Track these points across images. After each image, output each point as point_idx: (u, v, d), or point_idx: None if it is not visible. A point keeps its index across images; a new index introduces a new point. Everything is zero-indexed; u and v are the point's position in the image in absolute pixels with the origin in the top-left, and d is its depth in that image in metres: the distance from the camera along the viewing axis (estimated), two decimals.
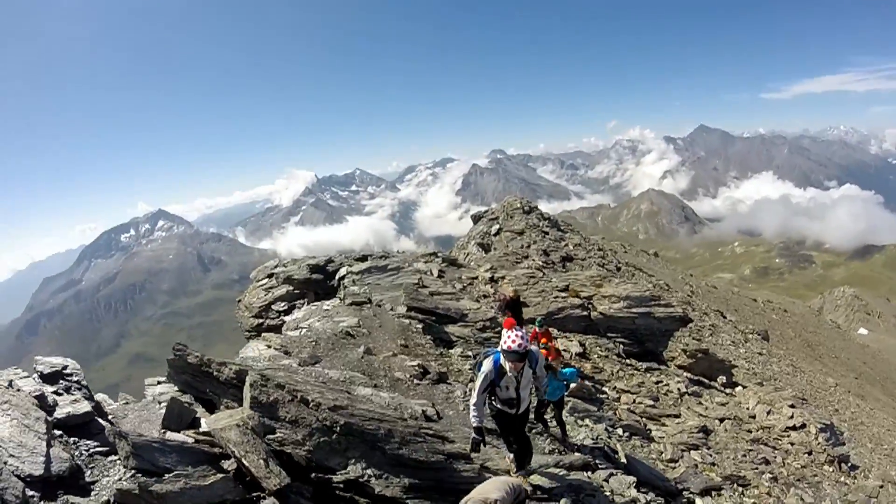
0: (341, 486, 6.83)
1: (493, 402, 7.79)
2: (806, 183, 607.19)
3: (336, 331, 12.24)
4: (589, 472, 9.06)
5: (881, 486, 16.43)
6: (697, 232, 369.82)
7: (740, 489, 12.32)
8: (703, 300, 43.17)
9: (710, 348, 24.08)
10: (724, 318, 38.80)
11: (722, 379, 21.06)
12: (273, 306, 18.19)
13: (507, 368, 7.32)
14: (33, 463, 5.37)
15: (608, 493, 8.62)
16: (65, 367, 7.97)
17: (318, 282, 18.92)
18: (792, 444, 16.90)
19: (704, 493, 11.18)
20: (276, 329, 16.15)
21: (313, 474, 6.71)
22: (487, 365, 7.51)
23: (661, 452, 12.54)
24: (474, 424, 7.57)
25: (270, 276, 20.07)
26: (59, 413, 6.55)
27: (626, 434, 12.45)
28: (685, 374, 20.29)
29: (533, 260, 26.21)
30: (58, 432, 6.10)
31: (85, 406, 6.95)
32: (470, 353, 13.29)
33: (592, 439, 10.93)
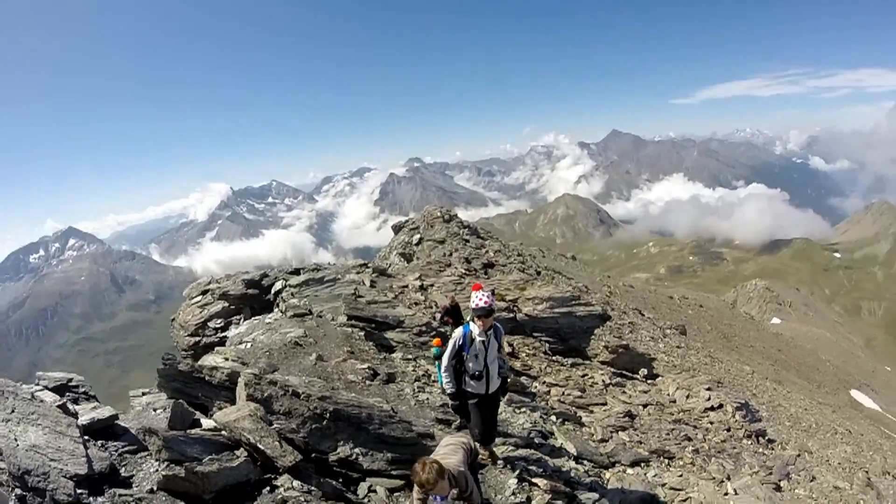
0: (336, 463, 7.90)
1: (465, 385, 8.51)
2: (715, 183, 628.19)
3: (285, 342, 12.82)
4: (532, 450, 10.10)
5: (798, 455, 17.85)
6: (612, 234, 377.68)
7: (666, 461, 13.40)
8: (622, 300, 44.43)
9: (631, 344, 25.29)
10: (643, 315, 40.05)
11: (643, 371, 22.18)
12: (209, 323, 18.20)
13: (476, 333, 8.19)
14: (76, 464, 5.94)
15: (551, 464, 9.75)
16: (70, 380, 8.81)
17: (254, 296, 19.12)
18: (711, 422, 18.06)
19: (634, 464, 12.28)
20: (213, 346, 16.47)
21: (312, 454, 7.77)
22: (457, 332, 8.42)
23: (592, 434, 13.50)
24: (449, 391, 8.59)
25: (204, 292, 20.04)
26: (84, 419, 7.14)
27: (560, 420, 13.39)
28: (608, 368, 21.37)
29: (455, 268, 26.88)
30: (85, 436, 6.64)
31: (108, 411, 7.66)
32: (410, 357, 14.18)
33: (531, 423, 11.92)
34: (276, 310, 17.84)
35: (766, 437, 18.57)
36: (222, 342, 16.32)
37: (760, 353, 47.62)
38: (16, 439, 6.06)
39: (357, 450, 8.14)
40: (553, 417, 13.51)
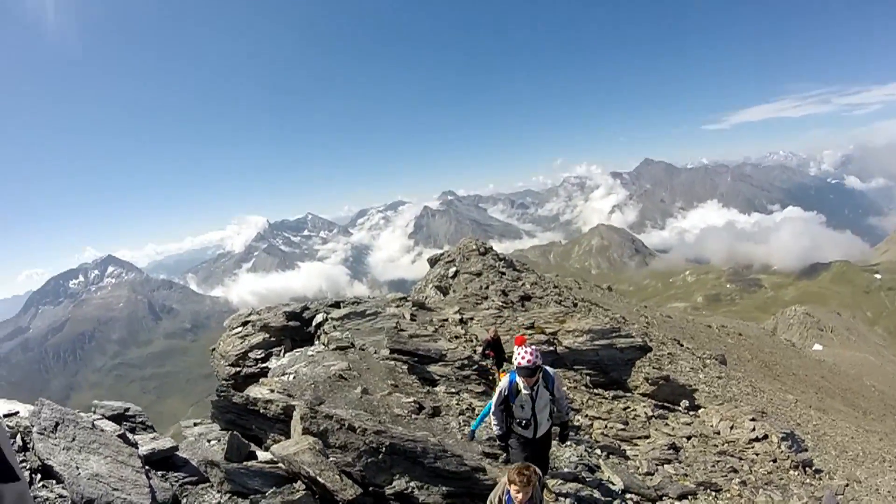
0: (392, 497, 7.96)
1: (513, 427, 8.41)
2: (750, 208, 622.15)
3: (329, 374, 12.93)
4: (580, 484, 10.10)
5: (846, 485, 17.52)
6: (648, 264, 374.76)
7: (713, 493, 13.24)
8: (660, 330, 43.91)
9: (671, 375, 25.03)
10: (681, 345, 39.44)
11: (685, 403, 21.96)
12: (250, 354, 18.37)
13: (521, 386, 8.02)
14: (139, 494, 6.02)
15: (599, 497, 9.70)
16: (127, 409, 8.85)
17: (295, 329, 19.27)
18: (756, 454, 17.77)
19: (681, 497, 12.15)
20: (254, 377, 16.66)
21: (369, 487, 7.89)
22: (503, 382, 8.29)
23: (638, 468, 13.41)
24: (497, 433, 8.51)
25: (245, 323, 20.26)
26: (144, 449, 7.26)
27: (605, 453, 13.34)
28: (650, 400, 21.19)
29: (492, 300, 26.87)
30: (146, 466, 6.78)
31: (169, 442, 7.80)
32: (454, 390, 14.23)
33: (577, 456, 11.88)
34: (317, 342, 17.97)
35: (813, 468, 18.25)
36: (262, 373, 16.45)
37: (803, 381, 46.64)
38: (77, 467, 6.15)
39: (412, 483, 8.27)
40: (598, 451, 13.44)
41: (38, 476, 6.06)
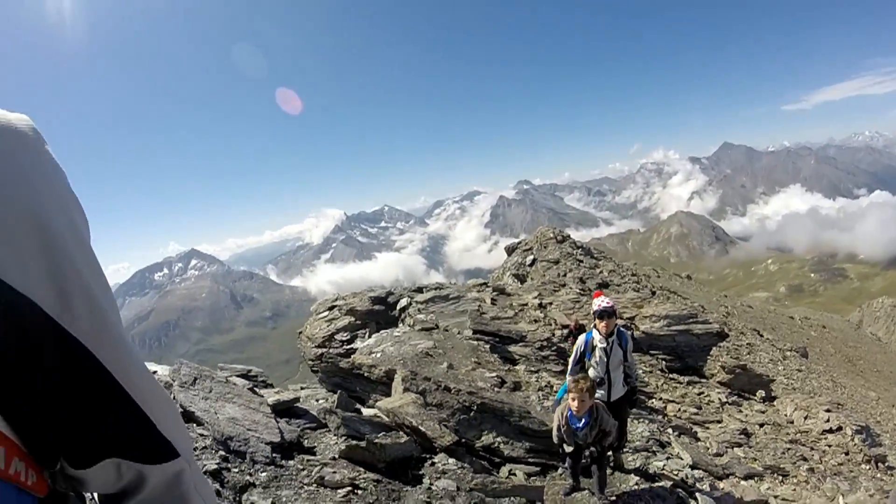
0: (481, 449, 9.20)
1: None
2: (835, 193, 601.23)
3: (416, 352, 13.81)
4: (651, 456, 10.81)
5: None
6: (728, 252, 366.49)
7: (780, 478, 13.53)
8: (740, 320, 43.22)
9: (748, 365, 25.02)
10: (761, 336, 38.76)
11: (761, 393, 21.95)
12: (336, 336, 19.36)
13: (597, 340, 8.70)
14: (270, 433, 7.26)
15: (667, 471, 10.39)
16: (249, 370, 10.50)
17: (380, 312, 20.13)
18: (829, 444, 17.68)
19: (748, 477, 12.54)
20: (340, 356, 17.69)
21: (461, 440, 9.05)
22: (580, 339, 8.99)
23: (707, 448, 13.80)
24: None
25: (331, 308, 21.15)
26: (271, 400, 8.64)
27: (676, 433, 13.75)
28: (725, 388, 21.37)
29: (570, 288, 27.27)
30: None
31: (291, 394, 9.42)
32: (533, 369, 14.96)
33: (649, 432, 12.50)
34: (401, 325, 18.86)
35: (886, 464, 18.20)
36: (348, 354, 17.39)
37: (888, 379, 45.17)
38: (216, 413, 7.35)
39: (499, 438, 9.44)
40: (670, 430, 13.90)
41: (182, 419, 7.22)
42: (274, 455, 6.97)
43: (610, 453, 9.22)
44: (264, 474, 6.50)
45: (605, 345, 8.66)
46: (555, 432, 7.92)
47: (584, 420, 7.44)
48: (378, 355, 14.39)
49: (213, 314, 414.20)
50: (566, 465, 8.60)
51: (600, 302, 8.78)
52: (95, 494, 1.47)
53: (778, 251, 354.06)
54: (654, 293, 36.11)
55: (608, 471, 9.08)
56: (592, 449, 7.94)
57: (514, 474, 8.97)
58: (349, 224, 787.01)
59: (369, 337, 18.04)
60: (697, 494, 9.58)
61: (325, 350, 18.63)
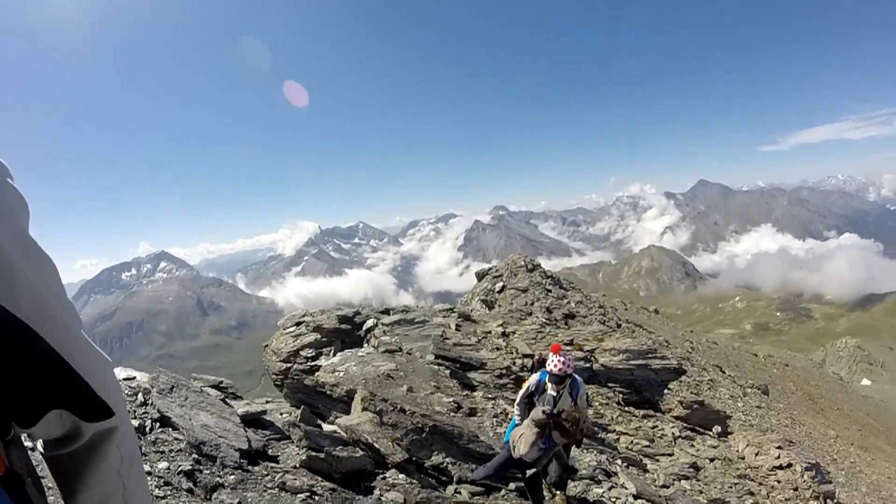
0: (430, 468, 9.95)
1: None
2: (805, 234, 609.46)
3: (378, 373, 14.18)
4: (594, 485, 11.26)
5: None
6: (698, 288, 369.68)
7: None
8: (703, 356, 43.74)
9: (707, 401, 25.53)
10: (724, 372, 39.42)
11: (717, 429, 22.47)
12: (301, 352, 19.53)
13: (549, 387, 8.89)
14: (239, 441, 8.25)
15: (609, 498, 10.95)
16: (220, 382, 11.41)
17: (346, 331, 20.39)
18: (778, 481, 18.26)
19: None
20: (304, 373, 17.98)
21: (413, 459, 9.90)
22: (533, 378, 9.27)
23: (655, 480, 14.24)
24: (515, 423, 9.44)
25: (298, 323, 21.38)
26: (240, 410, 9.59)
27: (625, 464, 14.20)
28: (680, 422, 21.79)
29: (536, 317, 27.63)
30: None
31: (257, 407, 10.30)
32: (490, 396, 15.36)
33: (597, 462, 12.93)
34: (366, 345, 19.16)
35: (835, 500, 18.69)
36: (312, 370, 17.66)
37: (847, 417, 45.98)
38: (191, 419, 8.33)
39: (448, 459, 10.31)
40: (619, 461, 14.32)
41: (158, 424, 8.15)
42: (242, 460, 7.92)
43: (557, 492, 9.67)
44: (233, 477, 7.43)
45: (554, 393, 8.89)
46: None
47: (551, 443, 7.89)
48: (341, 374, 14.72)
49: (179, 319, 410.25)
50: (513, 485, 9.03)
51: (553, 364, 8.77)
52: (50, 477, 1.79)
53: (746, 289, 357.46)
54: (619, 325, 36.60)
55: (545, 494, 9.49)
56: (535, 470, 8.39)
57: (459, 493, 9.67)
58: (322, 238, 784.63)
59: (334, 355, 18.29)
60: None
61: (290, 365, 18.85)
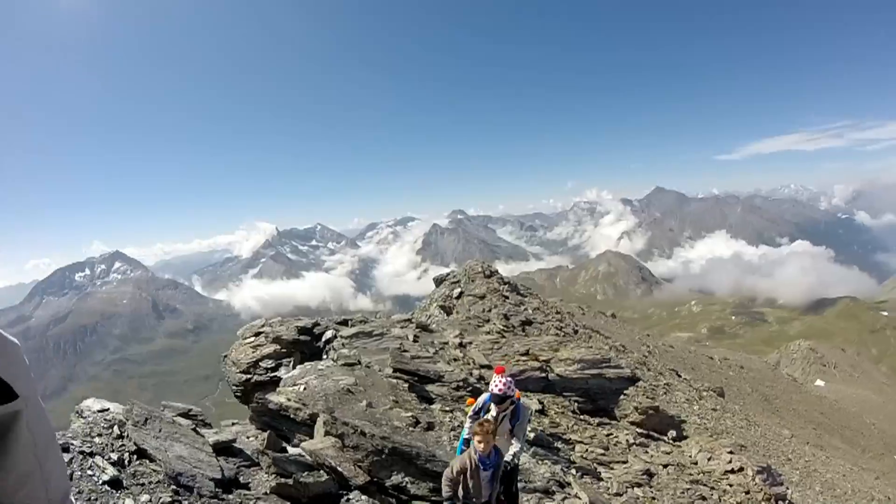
0: (391, 488, 10.50)
1: None
2: (759, 241, 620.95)
3: (338, 388, 14.34)
4: (547, 498, 11.58)
5: None
6: (654, 292, 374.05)
7: None
8: (659, 360, 44.62)
9: (663, 406, 25.96)
10: (679, 376, 40.36)
11: (672, 433, 23.06)
12: (261, 363, 19.47)
13: (492, 408, 9.00)
14: (213, 470, 8.84)
15: None
16: (190, 410, 11.71)
17: (305, 343, 20.42)
18: (730, 484, 18.73)
19: None
20: (264, 384, 18.02)
21: (374, 479, 10.42)
22: (481, 398, 9.46)
23: (608, 488, 14.59)
24: (465, 437, 9.52)
25: (258, 334, 21.26)
26: (211, 440, 10.09)
27: (579, 474, 14.52)
28: (636, 429, 22.24)
29: (494, 324, 27.91)
30: None
31: (227, 435, 10.76)
32: (448, 409, 15.60)
33: (550, 473, 13.23)
34: (325, 357, 19.24)
35: (788, 501, 19.22)
36: (272, 381, 17.65)
37: (802, 417, 47.12)
38: (166, 450, 8.83)
39: (407, 479, 10.86)
40: (573, 471, 14.67)
41: (135, 456, 8.56)
42: (217, 489, 8.53)
43: None
44: None
45: (494, 413, 9.02)
46: (447, 485, 8.09)
47: (491, 459, 8.07)
48: (301, 388, 14.82)
49: (133, 322, 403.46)
50: None
51: (495, 385, 8.88)
52: None
53: (701, 293, 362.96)
54: (576, 331, 37.06)
55: None
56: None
57: None
58: (280, 240, 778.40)
59: (294, 367, 18.33)
60: None
61: (249, 377, 18.84)
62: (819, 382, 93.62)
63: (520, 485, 11.00)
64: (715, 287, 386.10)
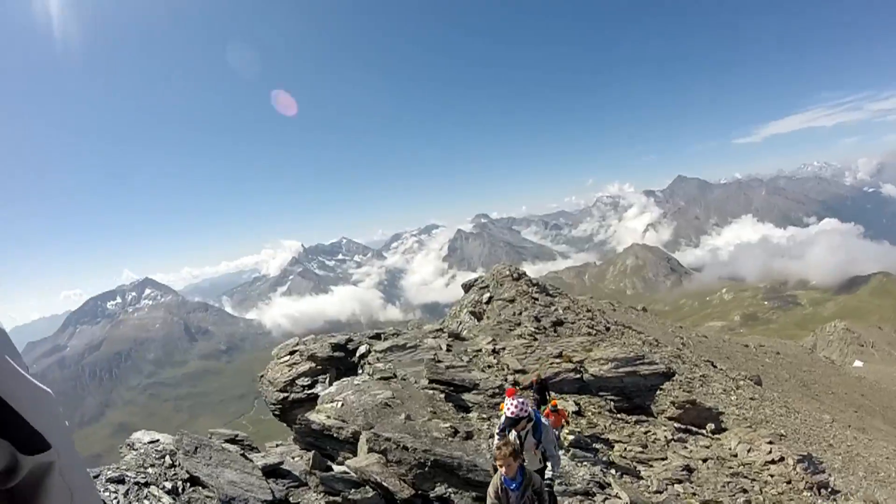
0: (434, 499, 10.73)
1: None
2: (786, 222, 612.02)
3: (376, 402, 14.54)
4: (588, 500, 11.71)
5: None
6: (683, 283, 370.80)
7: None
8: (694, 351, 44.34)
9: (700, 398, 25.75)
10: (715, 367, 40.02)
11: (711, 426, 22.95)
12: (297, 381, 19.72)
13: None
14: (264, 493, 9.17)
15: None
16: (236, 435, 12.15)
17: (339, 359, 20.66)
18: (771, 475, 18.64)
19: None
20: (301, 402, 18.31)
21: (418, 492, 10.66)
22: (503, 417, 9.43)
23: (648, 486, 14.58)
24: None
25: (292, 353, 21.57)
26: (260, 463, 10.44)
27: (619, 473, 14.56)
28: (674, 424, 22.19)
29: (525, 327, 27.96)
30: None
31: (275, 458, 11.16)
32: (485, 416, 15.70)
33: (590, 475, 13.34)
34: (361, 372, 19.44)
35: (830, 489, 18.95)
36: (309, 399, 17.98)
37: (842, 400, 46.41)
38: (218, 477, 9.20)
39: (450, 489, 11.11)
40: (613, 471, 14.74)
41: (188, 484, 8.94)
42: None
43: None
44: None
45: (514, 434, 8.93)
46: (491, 500, 8.13)
47: (517, 480, 8.15)
48: (339, 404, 14.99)
49: (167, 346, 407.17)
50: None
51: (507, 409, 8.68)
52: None
53: (731, 280, 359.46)
54: (608, 329, 36.93)
55: None
56: None
57: None
58: (306, 256, 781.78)
59: (330, 384, 18.56)
60: None
61: (286, 395, 19.12)
62: (857, 363, 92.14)
63: (560, 488, 11.23)
64: (745, 273, 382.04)
